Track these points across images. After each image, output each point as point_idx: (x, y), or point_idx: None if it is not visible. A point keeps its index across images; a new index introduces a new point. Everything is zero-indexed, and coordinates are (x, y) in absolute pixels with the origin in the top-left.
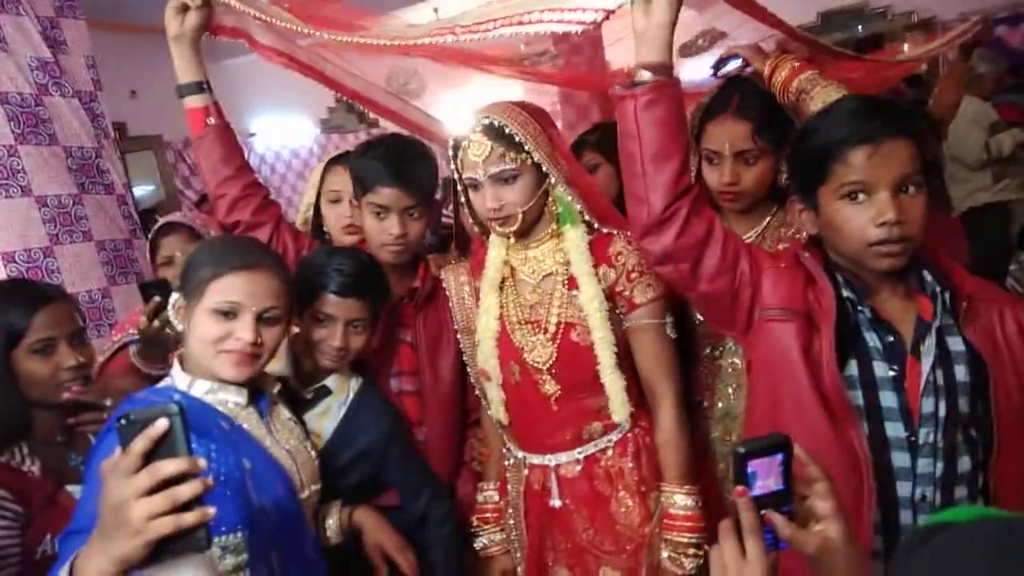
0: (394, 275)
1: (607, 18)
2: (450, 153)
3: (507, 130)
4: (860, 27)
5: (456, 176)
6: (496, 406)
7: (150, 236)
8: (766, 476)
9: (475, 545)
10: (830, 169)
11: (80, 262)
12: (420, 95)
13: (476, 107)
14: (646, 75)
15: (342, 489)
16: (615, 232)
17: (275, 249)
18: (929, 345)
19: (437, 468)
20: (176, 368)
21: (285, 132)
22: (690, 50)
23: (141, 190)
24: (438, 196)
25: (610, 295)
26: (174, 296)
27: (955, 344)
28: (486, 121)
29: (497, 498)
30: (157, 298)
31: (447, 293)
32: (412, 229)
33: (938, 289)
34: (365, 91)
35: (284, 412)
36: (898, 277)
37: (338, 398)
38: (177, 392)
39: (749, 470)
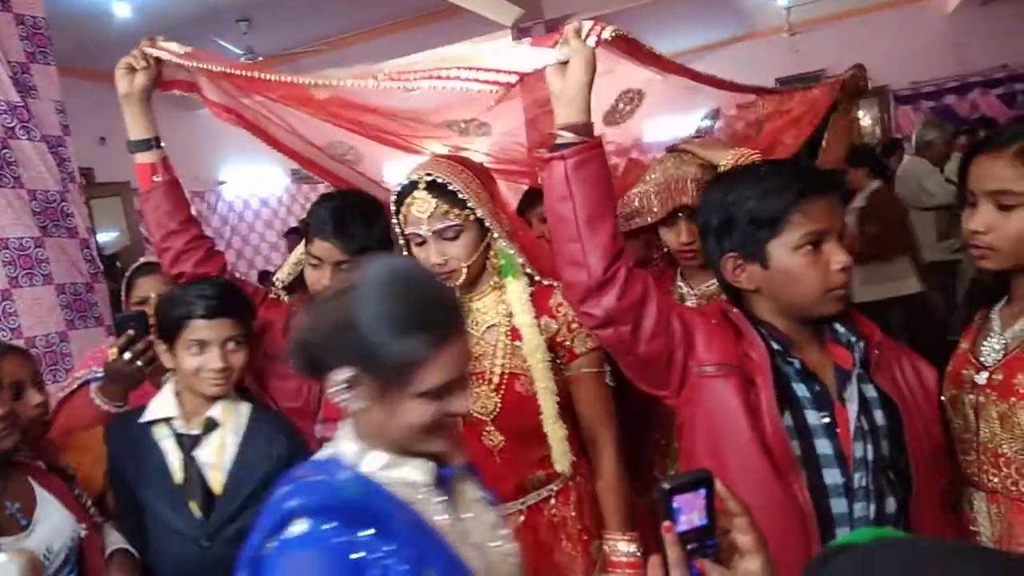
0: None
1: (521, 80)
2: (392, 207)
3: (450, 187)
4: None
5: (399, 229)
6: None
7: (127, 275)
8: (690, 511)
9: None
10: (787, 221)
11: (39, 305)
12: (358, 165)
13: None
14: (570, 136)
15: (240, 526)
16: (555, 284)
17: None
18: (851, 392)
19: None
20: (348, 433)
21: (255, 181)
22: (614, 117)
23: (107, 235)
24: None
25: (551, 345)
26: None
27: (869, 391)
28: (429, 178)
29: None
30: (131, 332)
31: None
32: None
33: (853, 339)
34: (306, 153)
35: (472, 491)
36: (816, 329)
37: (230, 429)
38: (346, 469)
39: (674, 505)
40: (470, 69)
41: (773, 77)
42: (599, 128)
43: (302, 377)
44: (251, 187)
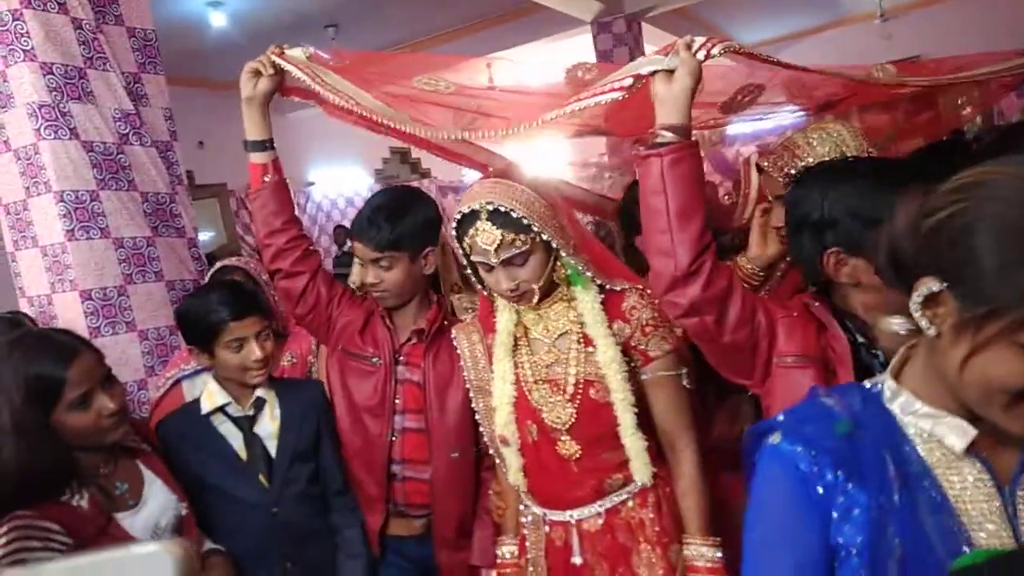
0: (405, 316)
1: (636, 83)
2: (452, 232)
3: (514, 215)
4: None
5: (462, 253)
6: (514, 472)
7: (208, 276)
8: None
9: None
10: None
11: (151, 300)
12: (476, 132)
13: (476, 188)
14: (669, 135)
15: (299, 488)
16: (627, 287)
17: (309, 296)
18: None
19: (442, 507)
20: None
21: (341, 181)
22: (731, 107)
23: (204, 235)
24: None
25: (625, 349)
26: None
27: None
28: (491, 207)
29: (517, 553)
30: None
31: (460, 354)
32: (386, 278)
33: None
34: (432, 137)
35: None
36: None
37: (274, 404)
38: (871, 400)
39: None
40: (605, 84)
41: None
42: (715, 114)
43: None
44: (337, 188)
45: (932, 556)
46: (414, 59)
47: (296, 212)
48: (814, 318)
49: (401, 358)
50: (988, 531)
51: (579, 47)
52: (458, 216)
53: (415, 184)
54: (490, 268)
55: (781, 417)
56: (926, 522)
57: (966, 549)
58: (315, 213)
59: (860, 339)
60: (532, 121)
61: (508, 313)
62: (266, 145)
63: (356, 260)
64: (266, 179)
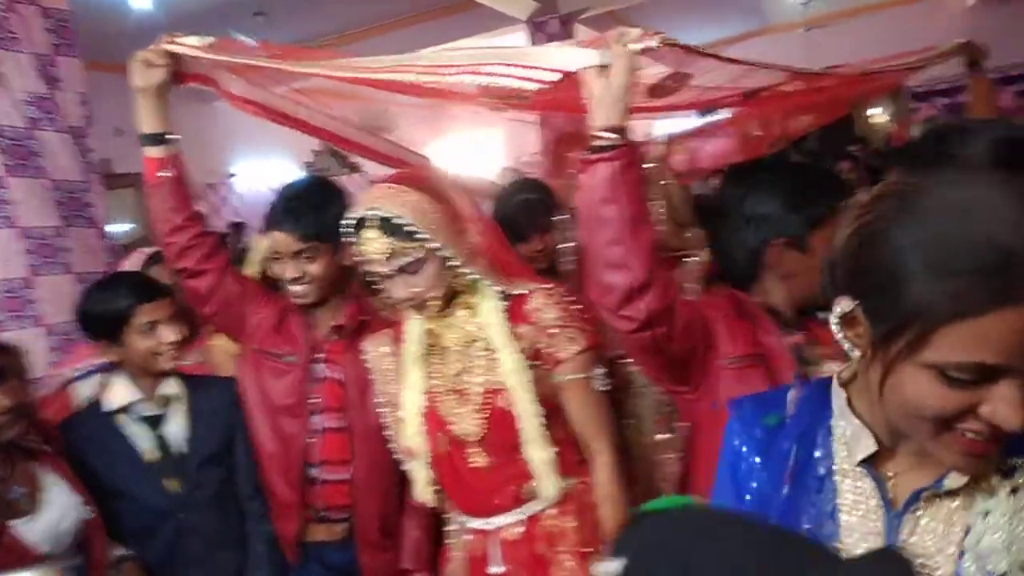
0: (324, 312)
1: (563, 80)
2: (345, 236)
3: (403, 225)
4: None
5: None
6: (421, 486)
7: (141, 267)
8: None
9: None
10: (827, 216)
11: (59, 294)
12: (391, 132)
13: (367, 194)
14: (613, 137)
15: (210, 492)
16: (531, 289)
17: (217, 295)
18: None
19: (364, 508)
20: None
21: (266, 173)
22: (658, 92)
23: (123, 226)
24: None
25: (534, 354)
26: None
27: None
28: (378, 215)
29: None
30: None
31: (369, 365)
32: (310, 271)
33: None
34: (339, 131)
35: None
36: (803, 314)
37: (182, 402)
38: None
39: None
40: (511, 66)
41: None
42: (642, 99)
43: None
44: (263, 179)
45: None
46: (321, 56)
47: (208, 204)
48: (745, 313)
49: (320, 356)
50: (864, 549)
51: (513, 45)
52: (347, 224)
53: (345, 179)
54: (384, 278)
55: (749, 396)
56: (801, 519)
57: None
58: (239, 205)
59: (784, 329)
60: (442, 91)
61: (417, 321)
62: (160, 138)
63: (272, 256)
64: (160, 174)
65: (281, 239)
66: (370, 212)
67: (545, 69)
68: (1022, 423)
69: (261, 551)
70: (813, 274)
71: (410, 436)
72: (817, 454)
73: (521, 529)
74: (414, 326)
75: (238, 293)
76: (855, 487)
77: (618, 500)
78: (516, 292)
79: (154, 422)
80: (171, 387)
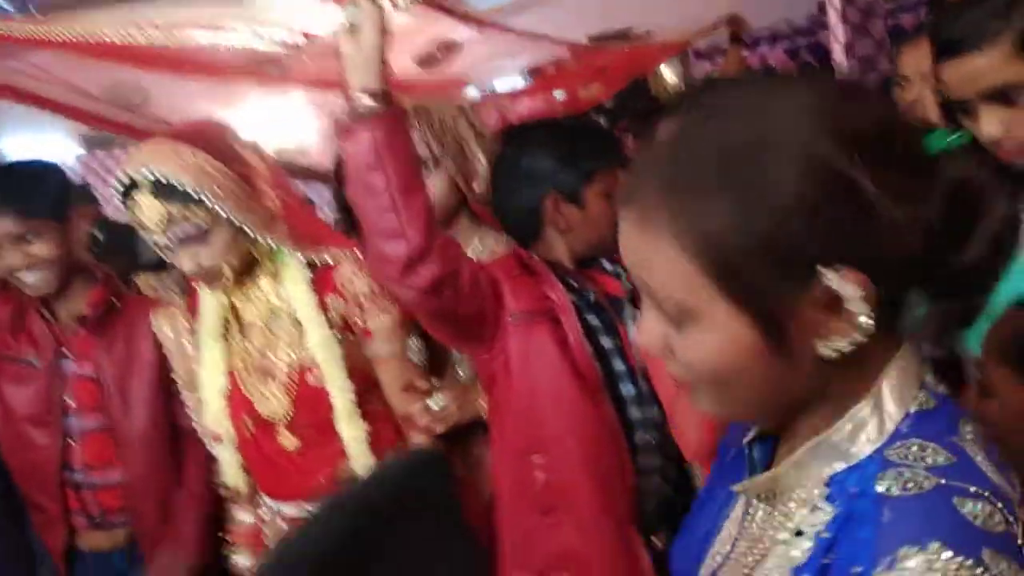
0: (66, 302)
1: (309, 41)
2: (119, 200)
3: (180, 187)
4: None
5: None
6: (232, 473)
7: None
8: None
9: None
10: (601, 170)
11: None
12: (147, 107)
13: (137, 151)
14: (371, 103)
15: None
16: (340, 258)
17: None
18: (626, 314)
19: (143, 507)
20: None
21: (40, 150)
22: (429, 62)
23: None
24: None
25: (343, 326)
26: None
27: (637, 314)
28: (151, 177)
29: (252, 520)
30: None
31: (163, 343)
32: (37, 253)
33: (620, 270)
34: (90, 108)
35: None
36: (588, 267)
37: None
38: None
39: None
40: (248, 23)
41: (584, 34)
42: (413, 71)
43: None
44: (36, 157)
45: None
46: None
47: None
48: (529, 271)
49: (67, 352)
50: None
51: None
52: (118, 187)
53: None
54: (168, 248)
55: None
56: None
57: (708, 549)
58: None
59: (572, 283)
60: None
61: (213, 294)
62: None
63: None
64: None
65: None
66: (141, 174)
67: (288, 29)
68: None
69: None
70: (590, 228)
71: (213, 419)
72: (750, 452)
73: None
74: (210, 300)
75: None
76: None
77: None
78: (323, 261)
79: None
80: None
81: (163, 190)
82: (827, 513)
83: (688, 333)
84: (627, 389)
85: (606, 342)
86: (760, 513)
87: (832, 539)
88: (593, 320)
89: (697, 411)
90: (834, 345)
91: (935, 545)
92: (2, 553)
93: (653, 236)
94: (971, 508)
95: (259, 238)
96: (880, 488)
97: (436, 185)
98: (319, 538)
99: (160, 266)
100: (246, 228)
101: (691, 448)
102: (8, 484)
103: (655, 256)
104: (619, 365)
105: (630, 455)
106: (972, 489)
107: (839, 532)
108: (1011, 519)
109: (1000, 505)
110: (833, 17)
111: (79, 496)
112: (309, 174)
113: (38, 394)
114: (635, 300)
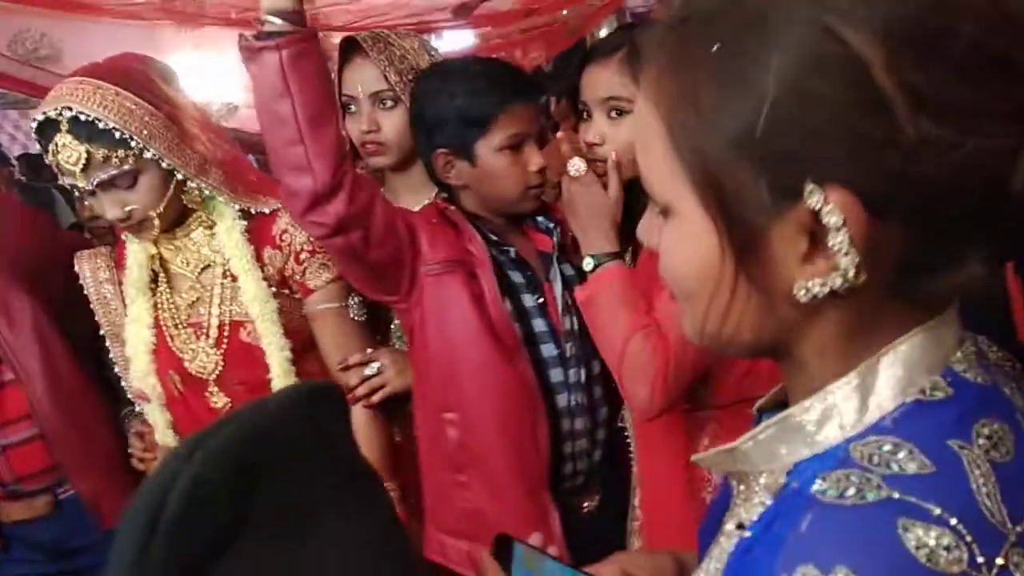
0: None
1: None
2: (36, 140)
3: (102, 125)
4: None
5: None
6: (162, 430)
7: None
8: None
9: None
10: (494, 122)
11: None
12: (58, 60)
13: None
14: (279, 22)
15: None
16: (278, 208)
17: None
18: (555, 272)
19: (74, 469)
20: None
21: None
22: (462, 11)
23: None
24: None
25: (280, 281)
26: None
27: (567, 270)
28: (70, 114)
29: None
30: None
31: (84, 288)
32: None
33: (552, 225)
34: None
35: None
36: (517, 220)
37: None
38: None
39: None
40: None
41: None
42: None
43: None
44: None
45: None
46: None
47: None
48: (450, 222)
49: None
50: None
51: None
52: (34, 124)
53: None
54: (90, 193)
55: None
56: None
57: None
58: None
59: (494, 238)
60: None
61: (139, 243)
62: None
63: None
64: None
65: None
66: (58, 111)
67: None
68: None
69: None
70: (487, 184)
71: (139, 376)
72: None
73: None
74: (137, 250)
75: None
76: None
77: (373, 440)
78: (261, 211)
79: None
80: None
81: (83, 129)
82: (764, 508)
83: (666, 229)
84: (548, 350)
85: (527, 300)
86: (740, 497)
87: (752, 541)
88: (516, 277)
89: (645, 372)
90: (809, 286)
91: (841, 573)
92: None
93: (650, 118)
94: (919, 536)
95: (190, 183)
96: (814, 488)
97: (395, 122)
98: (206, 459)
99: (78, 227)
100: (176, 172)
101: (641, 409)
102: None
103: (649, 140)
104: (541, 325)
105: (549, 418)
106: (936, 512)
107: (763, 533)
108: (980, 560)
109: (970, 539)
110: None
111: None
112: (236, 136)
113: None
114: (561, 257)
